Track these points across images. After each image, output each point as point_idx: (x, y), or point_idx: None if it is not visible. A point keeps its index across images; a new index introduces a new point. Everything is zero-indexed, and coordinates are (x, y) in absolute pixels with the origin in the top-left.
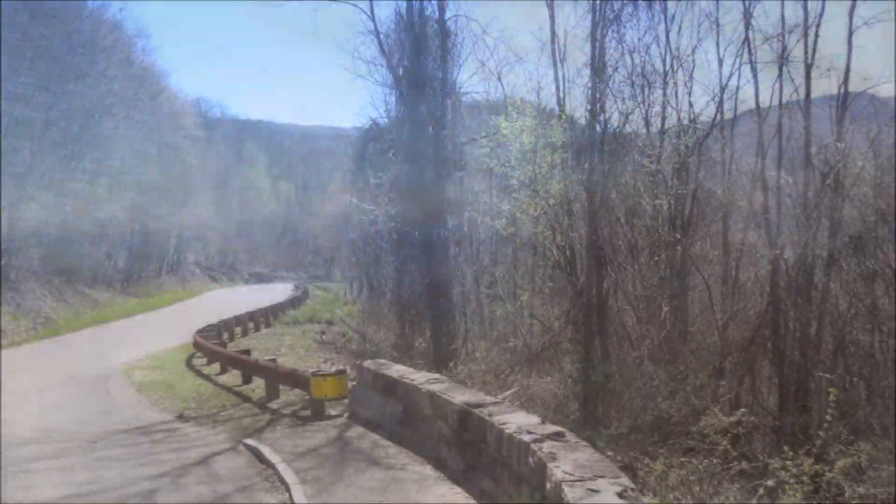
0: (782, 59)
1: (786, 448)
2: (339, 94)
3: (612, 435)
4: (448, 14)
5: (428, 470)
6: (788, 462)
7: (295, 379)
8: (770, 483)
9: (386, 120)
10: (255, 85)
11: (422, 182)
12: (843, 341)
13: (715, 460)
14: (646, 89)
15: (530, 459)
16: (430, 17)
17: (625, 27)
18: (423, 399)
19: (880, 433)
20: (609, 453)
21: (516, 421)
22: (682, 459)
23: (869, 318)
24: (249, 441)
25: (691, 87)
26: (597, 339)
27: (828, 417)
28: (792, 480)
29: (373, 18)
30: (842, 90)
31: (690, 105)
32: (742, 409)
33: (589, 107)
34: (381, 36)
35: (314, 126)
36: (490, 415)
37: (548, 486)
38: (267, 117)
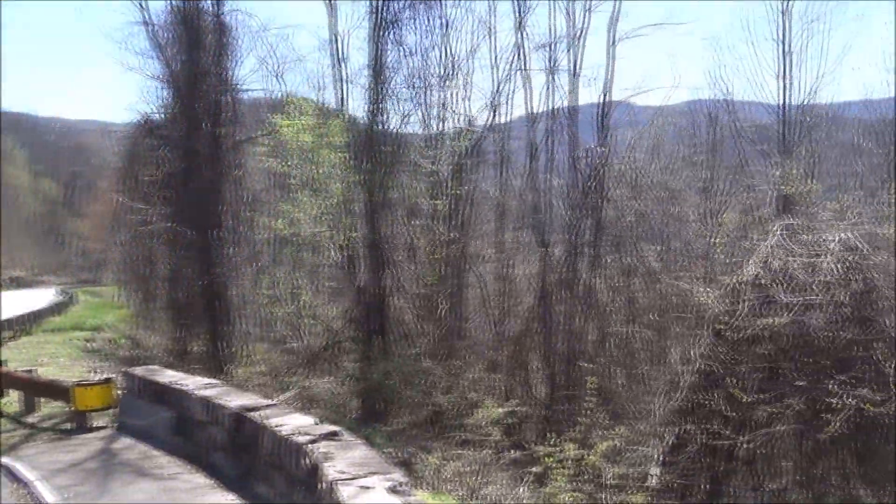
0: (551, 68)
1: (550, 435)
2: (110, 88)
3: (391, 431)
4: (226, 8)
5: (201, 478)
6: (553, 449)
7: (55, 390)
8: (537, 469)
9: (160, 115)
10: (16, 75)
11: (198, 181)
12: (604, 333)
13: (488, 451)
14: (424, 91)
15: (305, 461)
16: (206, 10)
17: (404, 30)
18: (196, 405)
19: (636, 417)
20: (387, 450)
21: (292, 423)
22: (458, 452)
23: (627, 310)
24: (2, 459)
25: (469, 91)
26: (377, 338)
27: (589, 404)
28: (557, 466)
29: (143, 8)
30: (603, 98)
31: (467, 108)
32: (514, 401)
33: (369, 107)
34: (156, 28)
35: (81, 120)
36: (266, 418)
37: (321, 486)
38: (28, 110)
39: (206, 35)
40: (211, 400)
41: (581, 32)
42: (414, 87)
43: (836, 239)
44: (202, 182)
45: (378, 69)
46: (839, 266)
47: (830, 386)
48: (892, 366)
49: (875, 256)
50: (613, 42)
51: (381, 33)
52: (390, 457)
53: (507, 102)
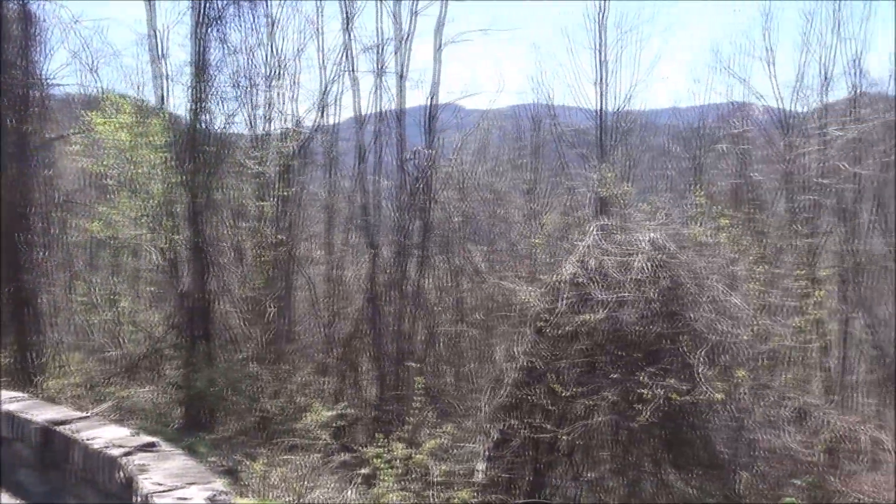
0: (379, 70)
1: (379, 436)
2: None
3: (216, 439)
4: None
5: (6, 498)
6: (381, 449)
7: None
8: (365, 471)
9: None
10: None
11: (1, 181)
12: (433, 333)
13: (317, 454)
14: (250, 91)
15: (119, 474)
16: None
17: (228, 27)
18: None
19: (464, 414)
20: (211, 459)
21: (106, 435)
22: (286, 457)
23: (456, 310)
24: None
25: (297, 92)
26: (202, 343)
27: (416, 404)
28: (385, 466)
29: None
30: (431, 101)
31: (295, 109)
32: (343, 403)
33: (191, 106)
34: None
35: None
36: (76, 431)
37: (136, 499)
38: None
39: (10, 24)
40: (16, 414)
41: (408, 35)
42: (239, 86)
43: (647, 239)
44: (7, 183)
45: (201, 67)
46: (649, 264)
47: (641, 378)
48: (696, 357)
49: (681, 255)
50: (440, 46)
51: (204, 30)
52: (214, 466)
53: (335, 103)
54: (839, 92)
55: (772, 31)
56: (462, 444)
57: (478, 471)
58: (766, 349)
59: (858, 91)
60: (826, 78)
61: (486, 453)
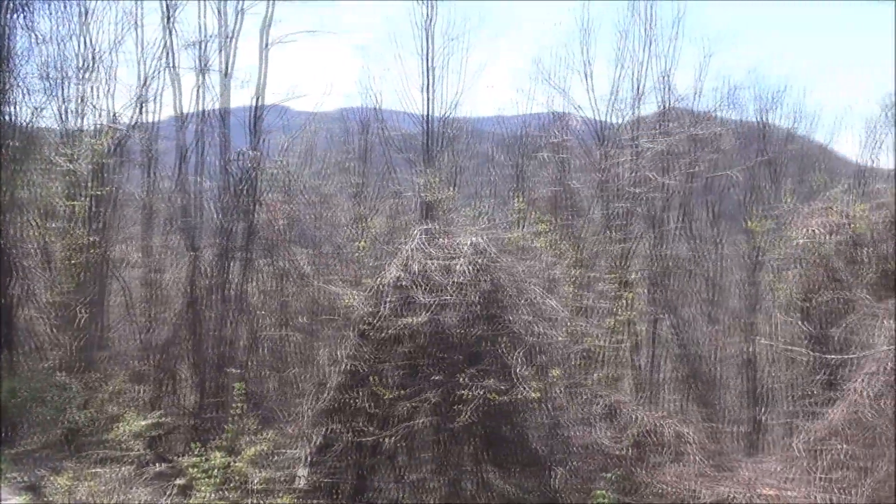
0: (202, 68)
1: (196, 445)
2: None
3: (17, 454)
4: None
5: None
6: (198, 458)
7: None
8: (181, 481)
9: None
10: None
11: None
12: (256, 337)
13: (129, 467)
14: (61, 84)
15: None
16: None
17: (37, 15)
18: None
19: (286, 420)
20: (11, 475)
21: None
22: (94, 470)
23: (280, 314)
24: None
25: (113, 86)
26: (3, 352)
27: (237, 411)
28: (202, 476)
29: None
30: (256, 101)
31: (111, 105)
32: (159, 412)
33: None
34: None
35: None
36: None
37: None
38: None
39: None
40: None
41: (233, 34)
42: (48, 78)
43: (469, 243)
44: None
45: (4, 56)
46: (471, 268)
47: (462, 379)
48: (514, 358)
49: (502, 259)
50: (266, 45)
51: (9, 16)
52: (14, 483)
53: (155, 101)
54: (650, 106)
55: (590, 46)
56: (284, 451)
57: (299, 477)
58: (581, 349)
59: (667, 106)
60: (638, 92)
61: (309, 458)
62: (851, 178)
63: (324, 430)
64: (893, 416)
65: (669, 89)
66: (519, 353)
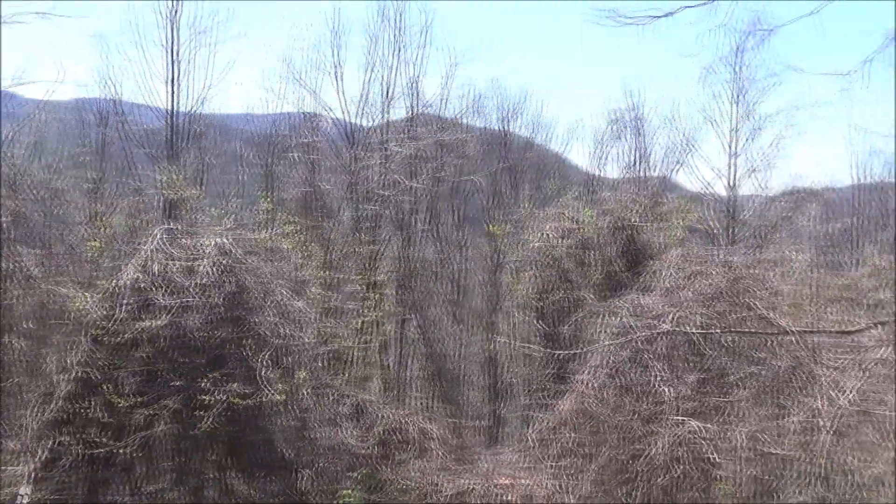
0: None
1: None
2: None
3: None
4: None
5: None
6: None
7: None
8: None
9: None
10: None
11: None
12: None
13: None
14: None
15: None
16: None
17: None
18: None
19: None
20: None
21: None
22: None
23: (2, 319)
24: None
25: None
26: None
27: None
28: None
29: None
30: None
31: None
32: None
33: None
34: None
35: None
36: None
37: None
38: None
39: None
40: None
41: None
42: None
43: (213, 243)
44: None
45: None
46: (214, 269)
47: (204, 384)
48: (259, 360)
49: (248, 260)
50: None
51: None
52: None
53: None
54: (399, 111)
55: (341, 49)
56: (4, 468)
57: (21, 495)
58: (328, 350)
59: (415, 111)
60: (388, 96)
61: (33, 475)
62: (581, 186)
63: (50, 443)
64: (614, 406)
65: (418, 95)
66: (264, 355)
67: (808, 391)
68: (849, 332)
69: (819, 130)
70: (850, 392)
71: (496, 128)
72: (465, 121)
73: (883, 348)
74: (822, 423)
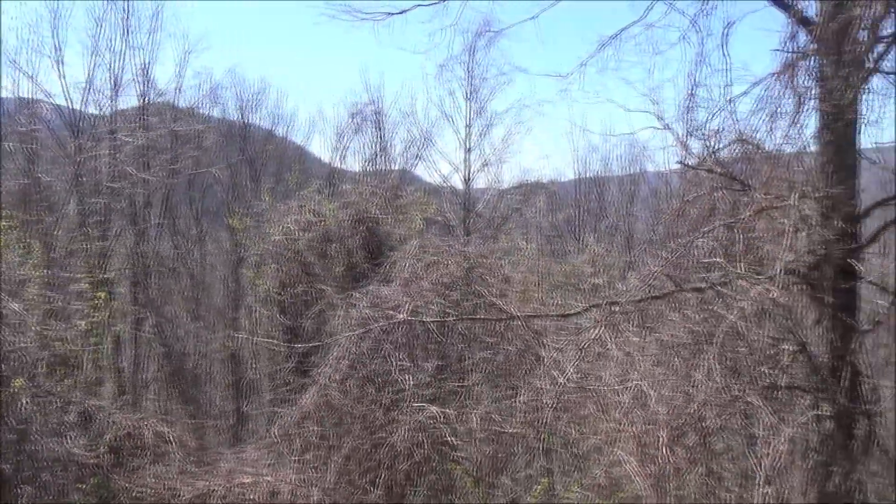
0: None
1: None
2: None
3: None
4: None
5: None
6: None
7: None
8: None
9: None
10: None
11: None
12: None
13: None
14: None
15: None
16: None
17: None
18: None
19: None
20: None
21: None
22: None
23: None
24: None
25: None
26: None
27: None
28: None
29: None
30: None
31: None
32: None
33: None
34: None
35: None
36: None
37: None
38: None
39: None
40: None
41: None
42: None
43: None
44: None
45: None
46: None
47: None
48: None
49: None
50: None
51: None
52: None
53: None
54: (130, 99)
55: (60, 30)
56: None
57: None
58: (50, 355)
59: (147, 99)
60: (116, 83)
61: None
62: (323, 179)
63: None
64: (357, 396)
65: (150, 83)
66: None
67: (534, 372)
68: (568, 315)
69: (545, 127)
70: (570, 371)
71: (235, 119)
72: (201, 111)
73: (598, 328)
74: (545, 400)
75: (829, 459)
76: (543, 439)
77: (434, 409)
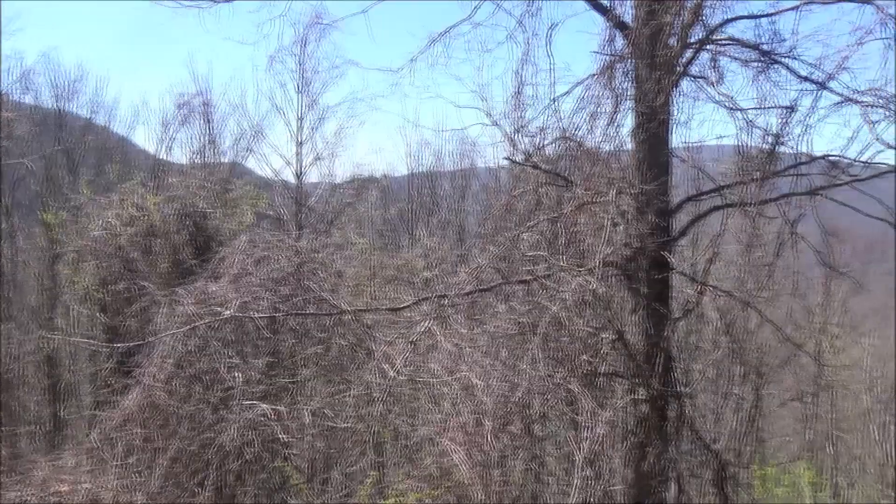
0: None
1: None
2: None
3: None
4: None
5: None
6: None
7: None
8: None
9: None
10: None
11: None
12: None
13: None
14: None
15: None
16: None
17: None
18: None
19: None
20: None
21: None
22: None
23: None
24: None
25: None
26: None
27: None
28: None
29: None
30: None
31: None
32: None
33: None
34: None
35: None
36: None
37: None
38: None
39: None
40: None
41: None
42: None
43: None
44: None
45: None
46: None
47: None
48: None
49: None
50: None
51: None
52: None
53: None
54: None
55: None
56: None
57: None
58: None
59: None
60: None
61: None
62: (148, 171)
63: None
64: (184, 396)
65: None
66: None
67: (365, 366)
68: (399, 309)
69: (379, 122)
70: (399, 364)
71: (50, 107)
72: (12, 97)
73: (427, 322)
74: (375, 394)
75: (644, 440)
76: (374, 433)
77: (264, 406)
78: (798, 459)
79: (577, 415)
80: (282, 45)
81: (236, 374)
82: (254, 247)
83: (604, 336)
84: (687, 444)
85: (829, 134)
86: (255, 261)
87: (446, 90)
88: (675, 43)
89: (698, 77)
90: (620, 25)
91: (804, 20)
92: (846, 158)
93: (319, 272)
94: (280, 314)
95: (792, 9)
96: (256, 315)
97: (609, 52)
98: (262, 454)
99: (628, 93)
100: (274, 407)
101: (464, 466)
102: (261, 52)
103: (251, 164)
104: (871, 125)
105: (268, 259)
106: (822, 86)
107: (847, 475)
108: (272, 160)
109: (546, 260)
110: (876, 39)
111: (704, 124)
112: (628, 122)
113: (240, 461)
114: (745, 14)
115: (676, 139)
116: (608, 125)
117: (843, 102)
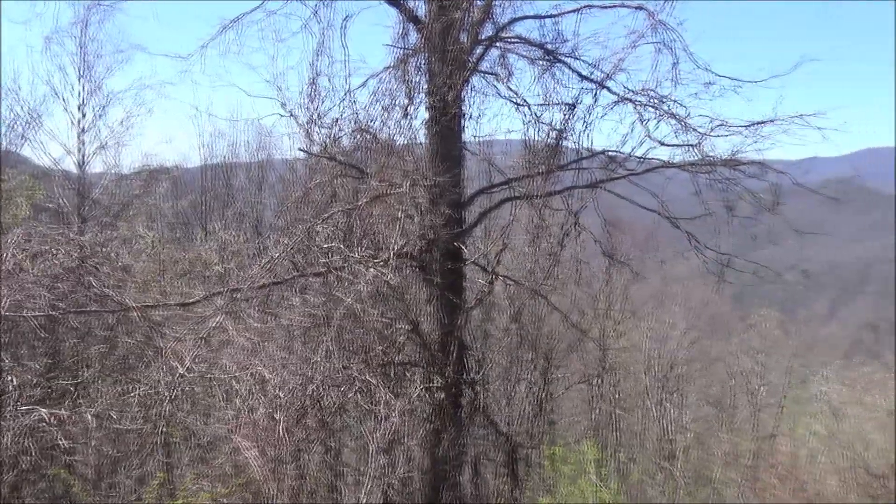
0: None
1: None
2: None
3: None
4: None
5: None
6: None
7: None
8: None
9: None
10: None
11: None
12: None
13: None
14: None
15: None
16: None
17: None
18: None
19: None
20: None
21: None
22: None
23: None
24: None
25: None
26: None
27: None
28: None
29: None
30: None
31: None
32: None
33: None
34: None
35: None
36: None
37: None
38: None
39: None
40: None
41: None
42: None
43: None
44: None
45: None
46: None
47: None
48: None
49: None
50: None
51: None
52: None
53: None
54: None
55: None
56: None
57: None
58: None
59: None
60: None
61: None
62: None
63: None
64: None
65: None
66: None
67: (153, 364)
68: (189, 304)
69: (169, 110)
70: (189, 360)
71: None
72: None
73: (219, 316)
74: (164, 393)
75: (439, 427)
76: (163, 433)
77: (42, 411)
78: (584, 438)
79: (373, 405)
80: (59, 26)
81: (10, 378)
82: (29, 241)
83: (399, 327)
84: (481, 428)
85: (608, 130)
86: (30, 256)
87: (240, 79)
88: (466, 39)
89: (489, 73)
90: (414, 20)
91: (585, 22)
92: (623, 154)
93: (104, 267)
94: (58, 312)
95: (573, 11)
96: (30, 315)
97: (403, 46)
98: (40, 462)
99: (422, 86)
100: (53, 411)
101: (255, 463)
102: (35, 33)
103: (27, 152)
104: (643, 123)
105: (46, 254)
106: (600, 85)
107: (628, 451)
108: (51, 148)
109: (341, 252)
110: (648, 43)
111: (495, 119)
112: (422, 115)
113: (15, 472)
114: (532, 14)
115: (469, 133)
116: (402, 118)
117: (619, 101)
